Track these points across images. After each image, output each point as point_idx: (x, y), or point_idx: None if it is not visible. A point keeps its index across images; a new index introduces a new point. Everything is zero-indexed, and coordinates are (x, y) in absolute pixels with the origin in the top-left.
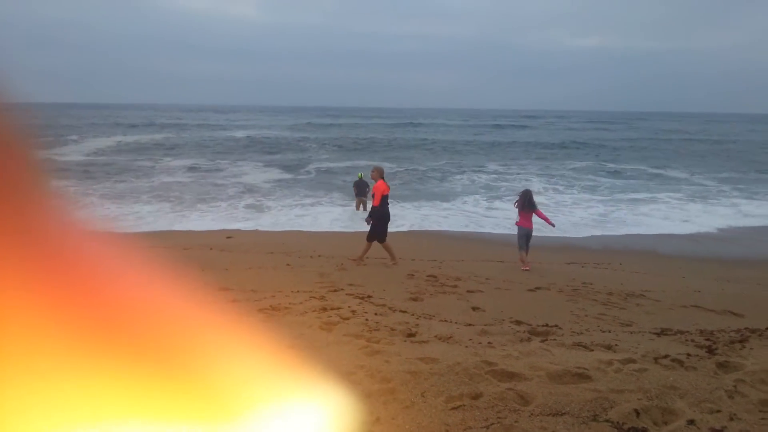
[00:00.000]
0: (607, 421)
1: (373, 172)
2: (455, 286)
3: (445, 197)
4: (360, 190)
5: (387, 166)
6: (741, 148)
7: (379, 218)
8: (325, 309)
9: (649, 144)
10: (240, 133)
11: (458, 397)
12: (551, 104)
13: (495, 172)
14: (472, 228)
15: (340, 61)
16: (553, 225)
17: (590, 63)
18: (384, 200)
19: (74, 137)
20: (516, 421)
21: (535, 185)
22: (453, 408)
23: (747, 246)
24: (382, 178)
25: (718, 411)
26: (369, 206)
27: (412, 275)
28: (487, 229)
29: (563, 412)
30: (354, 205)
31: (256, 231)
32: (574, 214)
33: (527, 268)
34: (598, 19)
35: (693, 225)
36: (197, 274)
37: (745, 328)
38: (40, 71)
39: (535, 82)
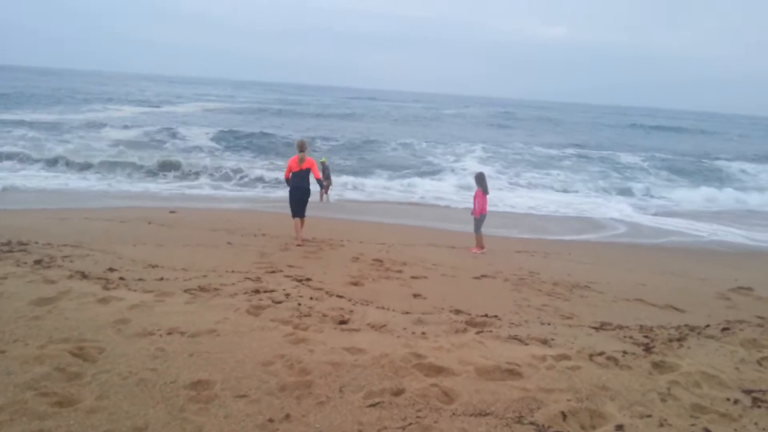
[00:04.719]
0: (532, 423)
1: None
2: (400, 272)
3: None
4: (323, 174)
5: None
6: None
7: (289, 192)
8: (257, 291)
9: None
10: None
11: (379, 392)
12: (525, 94)
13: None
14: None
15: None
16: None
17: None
18: (295, 175)
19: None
20: (435, 422)
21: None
22: (371, 405)
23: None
24: (301, 151)
25: (649, 416)
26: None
27: (358, 258)
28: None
29: (487, 412)
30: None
31: (202, 207)
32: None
33: (485, 250)
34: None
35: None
36: (127, 249)
37: (685, 325)
38: None
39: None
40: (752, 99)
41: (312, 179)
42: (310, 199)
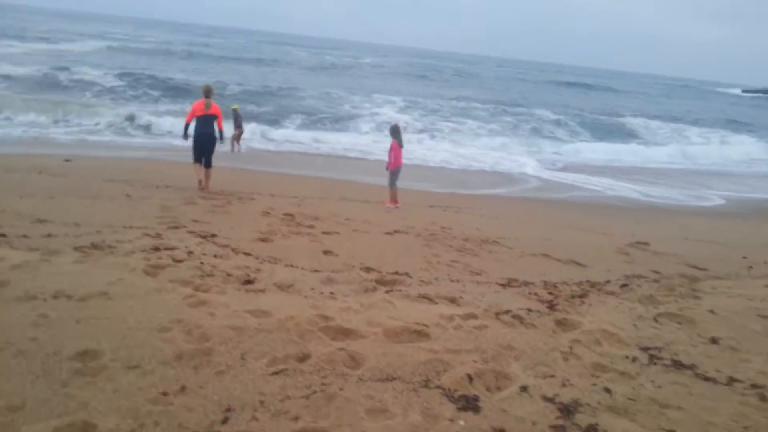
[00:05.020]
0: (438, 387)
1: None
2: (311, 227)
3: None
4: (235, 122)
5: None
6: None
7: (194, 138)
8: (157, 249)
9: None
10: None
11: (282, 359)
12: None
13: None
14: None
15: None
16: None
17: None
18: (199, 120)
19: None
20: (341, 389)
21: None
22: (274, 373)
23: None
24: (207, 97)
25: (552, 376)
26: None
27: (268, 213)
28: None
29: (394, 376)
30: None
31: (99, 156)
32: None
33: (399, 204)
34: None
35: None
36: (12, 202)
37: (587, 281)
38: None
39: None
40: (661, 59)
41: (216, 128)
42: (221, 149)
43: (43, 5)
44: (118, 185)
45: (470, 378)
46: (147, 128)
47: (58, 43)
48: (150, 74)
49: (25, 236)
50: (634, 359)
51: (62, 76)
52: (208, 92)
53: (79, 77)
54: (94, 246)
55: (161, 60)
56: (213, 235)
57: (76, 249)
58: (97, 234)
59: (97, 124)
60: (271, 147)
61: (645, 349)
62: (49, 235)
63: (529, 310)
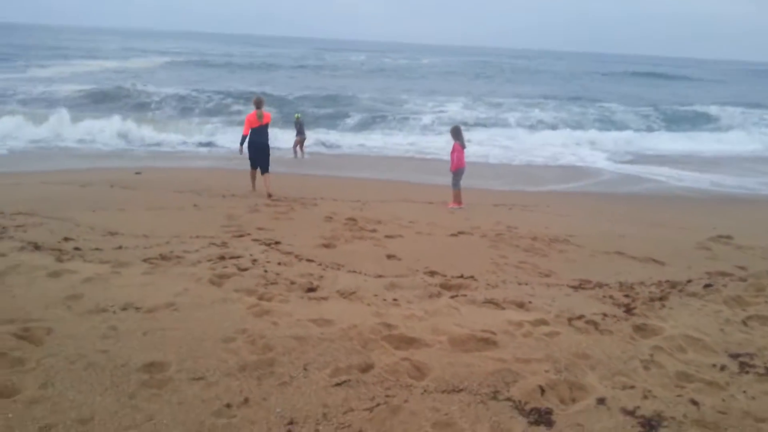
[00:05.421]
0: (508, 399)
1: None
2: (374, 231)
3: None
4: (298, 129)
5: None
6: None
7: (249, 146)
8: (223, 258)
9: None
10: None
11: (346, 369)
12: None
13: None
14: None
15: None
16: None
17: None
18: (254, 131)
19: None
20: (406, 401)
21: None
22: (337, 384)
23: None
24: (258, 107)
25: (632, 387)
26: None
27: (331, 218)
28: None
29: (461, 388)
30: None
31: (168, 167)
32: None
33: (463, 205)
34: None
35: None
36: (85, 216)
37: (666, 281)
38: None
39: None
40: (739, 44)
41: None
42: (286, 156)
43: (91, 24)
44: (186, 196)
45: (542, 389)
46: (210, 139)
47: (127, 60)
48: (216, 89)
49: (97, 249)
50: (723, 367)
51: (131, 90)
52: (259, 103)
53: (145, 90)
54: (162, 257)
55: (226, 72)
56: (277, 243)
57: (145, 260)
58: (166, 245)
59: (165, 137)
60: (333, 151)
61: (734, 356)
62: (120, 247)
63: (605, 314)
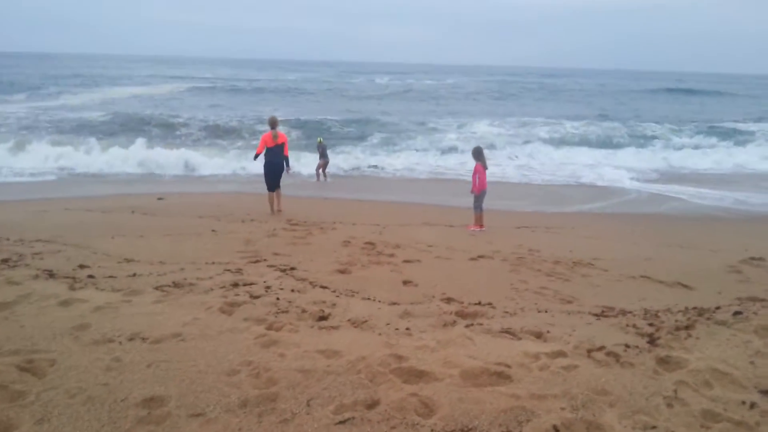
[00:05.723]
0: None
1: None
2: (392, 255)
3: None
4: (321, 153)
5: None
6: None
7: (264, 167)
8: (236, 285)
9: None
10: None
11: (350, 405)
12: (522, 60)
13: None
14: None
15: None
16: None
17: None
18: (267, 151)
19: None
20: None
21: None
22: (340, 422)
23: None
24: (273, 128)
25: (654, 427)
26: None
27: (349, 242)
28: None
29: (470, 427)
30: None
31: (191, 192)
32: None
33: (484, 228)
34: None
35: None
36: (103, 242)
37: (693, 308)
38: None
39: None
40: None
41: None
42: (310, 181)
43: (120, 52)
44: (206, 221)
45: (557, 430)
46: (235, 164)
47: (156, 85)
48: (242, 114)
49: (111, 276)
50: (753, 405)
51: (158, 116)
52: (273, 123)
53: (172, 115)
54: (175, 284)
55: (252, 97)
56: (292, 268)
57: (157, 288)
58: (180, 271)
59: (190, 161)
60: (355, 173)
61: (765, 393)
62: (134, 275)
63: (627, 345)
